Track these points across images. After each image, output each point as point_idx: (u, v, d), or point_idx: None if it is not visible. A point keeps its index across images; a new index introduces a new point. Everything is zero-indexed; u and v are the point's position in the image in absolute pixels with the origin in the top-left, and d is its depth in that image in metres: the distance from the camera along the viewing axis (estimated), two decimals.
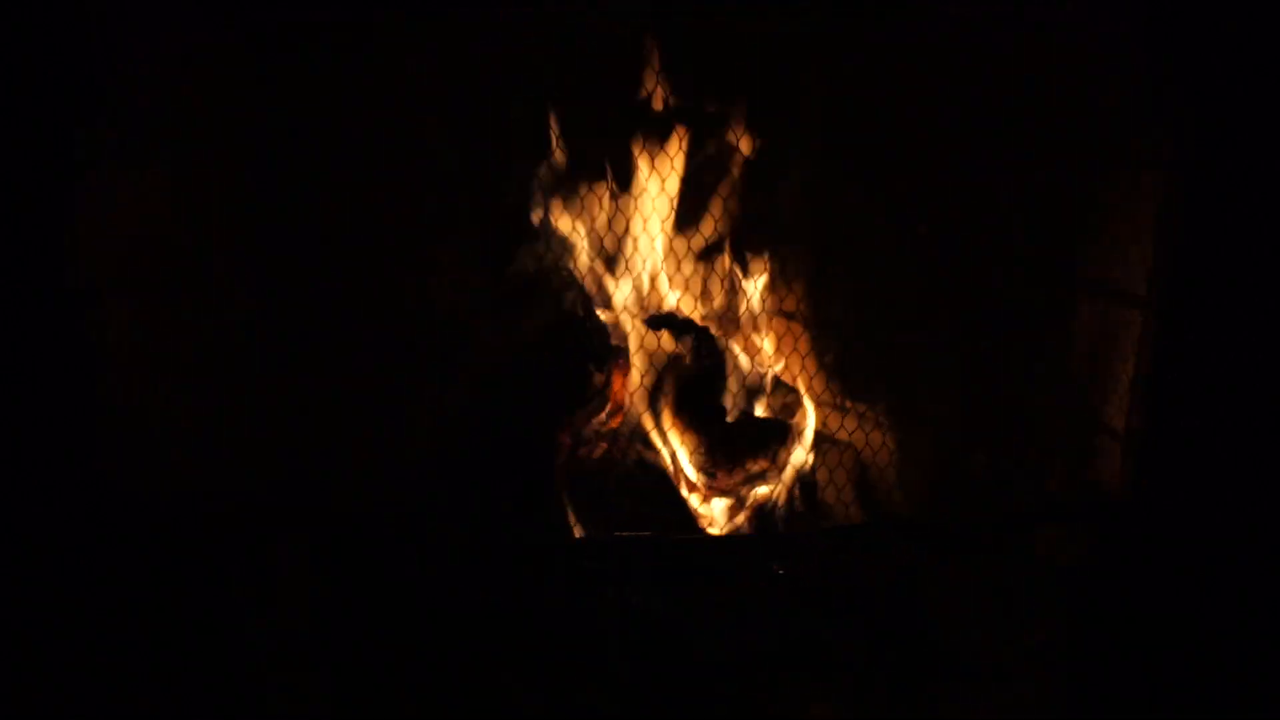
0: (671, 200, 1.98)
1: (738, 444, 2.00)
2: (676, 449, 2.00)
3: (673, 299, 2.04)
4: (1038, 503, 1.78)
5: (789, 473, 1.99)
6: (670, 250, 2.02)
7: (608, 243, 2.01)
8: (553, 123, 1.94)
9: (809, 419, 2.01)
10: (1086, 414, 1.75)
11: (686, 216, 2.03)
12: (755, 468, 1.99)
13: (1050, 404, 1.83)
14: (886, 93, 1.89)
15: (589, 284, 2.04)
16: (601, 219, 2.00)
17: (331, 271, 1.82)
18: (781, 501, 1.99)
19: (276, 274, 1.83)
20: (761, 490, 1.98)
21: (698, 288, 2.09)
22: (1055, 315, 1.84)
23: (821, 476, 1.99)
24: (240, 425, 1.76)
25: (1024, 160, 1.84)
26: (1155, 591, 1.60)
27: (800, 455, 2.00)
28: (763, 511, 1.97)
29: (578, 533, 1.88)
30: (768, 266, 2.07)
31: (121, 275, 1.55)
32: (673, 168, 1.96)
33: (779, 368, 2.08)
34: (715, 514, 1.99)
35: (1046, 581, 1.65)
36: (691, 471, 1.99)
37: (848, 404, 2.07)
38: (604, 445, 2.03)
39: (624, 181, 1.99)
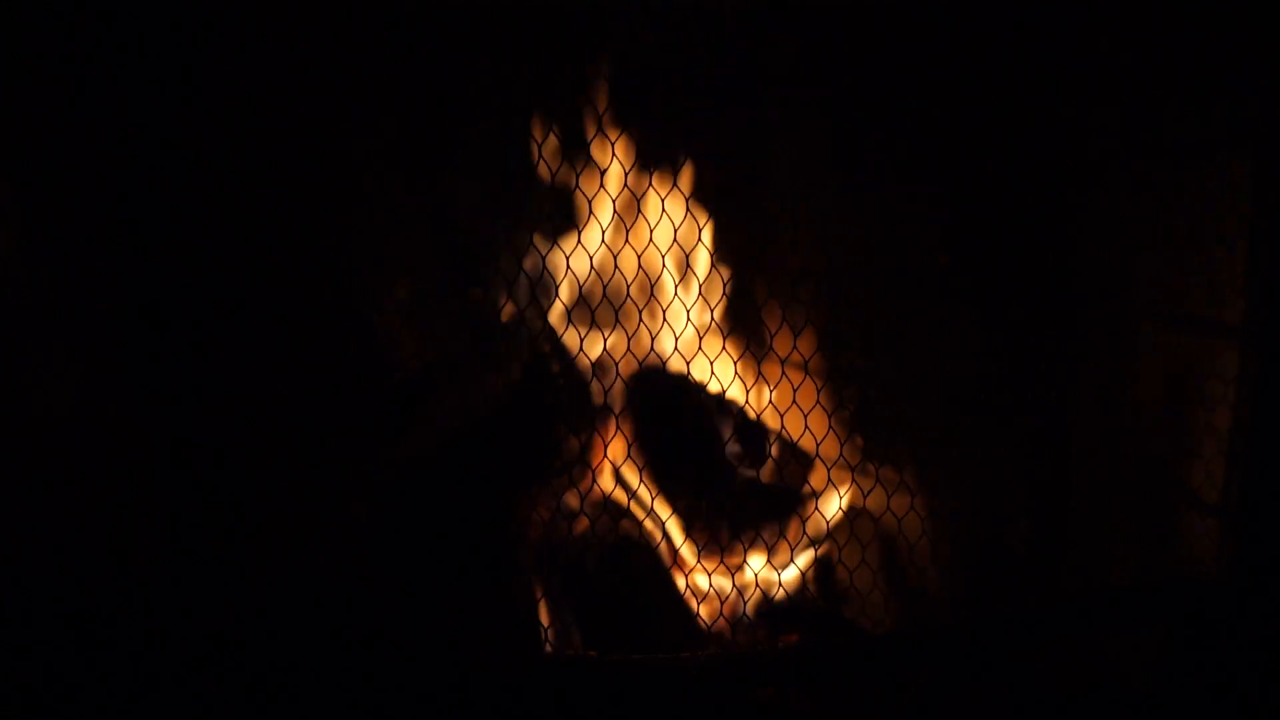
0: (663, 236, 1.71)
1: (738, 516, 1.71)
2: (666, 522, 1.71)
3: (664, 350, 1.76)
4: (1106, 592, 1.44)
5: (800, 549, 1.69)
6: (663, 293, 1.74)
7: (588, 284, 1.73)
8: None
9: (825, 486, 1.71)
10: (1160, 477, 1.42)
11: (682, 254, 1.75)
12: (758, 544, 1.70)
13: (1112, 466, 1.50)
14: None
15: (565, 333, 1.77)
16: (582, 256, 1.72)
17: (244, 305, 1.53)
18: (791, 585, 1.68)
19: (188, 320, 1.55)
20: (766, 571, 1.68)
21: (694, 337, 1.80)
22: (1115, 353, 1.51)
23: (838, 553, 1.67)
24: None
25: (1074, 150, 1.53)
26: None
27: (813, 528, 1.70)
28: (768, 597, 1.67)
29: (546, 622, 1.61)
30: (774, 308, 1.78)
31: None
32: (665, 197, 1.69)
33: (786, 425, 1.77)
34: (711, 596, 1.68)
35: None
36: (685, 548, 1.69)
37: (869, 466, 1.75)
38: (584, 519, 1.75)
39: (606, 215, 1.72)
